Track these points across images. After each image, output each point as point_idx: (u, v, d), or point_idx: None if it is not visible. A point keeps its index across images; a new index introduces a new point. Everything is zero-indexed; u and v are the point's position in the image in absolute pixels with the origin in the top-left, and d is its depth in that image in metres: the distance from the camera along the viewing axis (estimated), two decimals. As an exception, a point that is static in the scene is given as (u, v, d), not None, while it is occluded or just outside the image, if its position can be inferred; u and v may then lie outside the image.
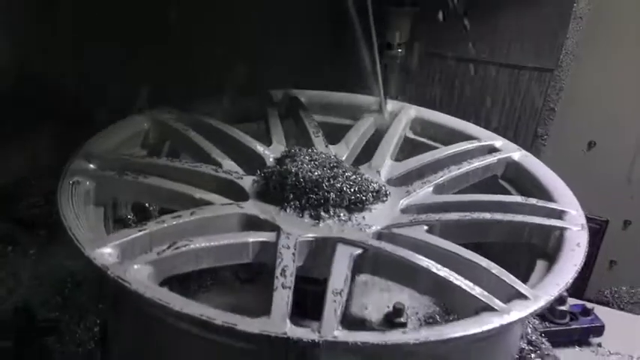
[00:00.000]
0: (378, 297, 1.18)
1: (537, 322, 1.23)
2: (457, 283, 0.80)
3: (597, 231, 1.78)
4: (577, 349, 1.26)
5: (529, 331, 1.17)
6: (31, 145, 1.61)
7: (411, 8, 1.41)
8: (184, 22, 1.51)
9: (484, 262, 0.85)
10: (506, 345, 0.90)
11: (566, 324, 1.25)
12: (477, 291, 0.79)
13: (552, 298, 0.79)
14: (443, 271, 0.82)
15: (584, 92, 1.65)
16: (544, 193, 1.06)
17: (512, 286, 0.81)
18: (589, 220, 1.73)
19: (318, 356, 0.72)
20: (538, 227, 0.96)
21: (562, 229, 0.94)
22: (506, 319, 0.74)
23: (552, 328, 1.24)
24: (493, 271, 0.83)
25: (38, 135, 1.60)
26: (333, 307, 0.75)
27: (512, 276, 0.82)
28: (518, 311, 0.76)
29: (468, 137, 1.24)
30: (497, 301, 0.77)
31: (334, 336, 0.70)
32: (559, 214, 0.98)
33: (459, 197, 1.07)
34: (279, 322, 0.71)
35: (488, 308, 0.77)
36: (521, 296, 0.79)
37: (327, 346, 0.69)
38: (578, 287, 1.59)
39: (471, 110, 1.32)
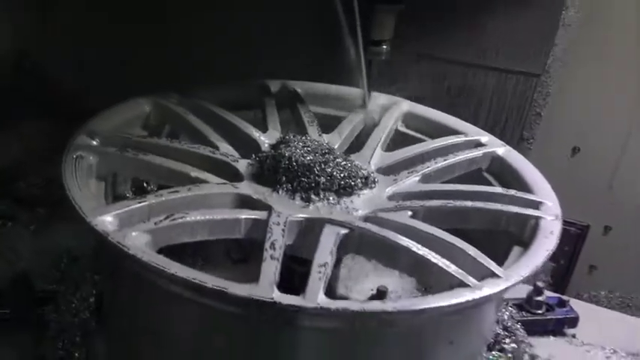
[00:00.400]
0: (363, 285, 1.24)
1: (515, 311, 1.29)
2: (434, 261, 0.86)
3: (578, 236, 1.84)
4: (552, 338, 1.32)
5: (506, 318, 1.23)
6: (29, 131, 1.66)
7: (395, 5, 1.45)
8: (184, 16, 1.57)
9: (461, 244, 0.90)
10: (480, 324, 0.95)
11: (542, 314, 1.31)
12: (452, 269, 0.84)
13: (522, 278, 0.85)
14: (422, 251, 0.88)
15: (571, 98, 1.71)
16: (524, 186, 1.11)
17: (486, 266, 0.86)
18: (571, 224, 1.81)
19: (302, 321, 0.77)
20: (516, 216, 1.01)
21: (538, 218, 1.00)
22: (477, 294, 0.80)
23: (529, 318, 1.29)
24: (469, 252, 0.88)
25: (36, 122, 1.66)
26: (317, 277, 0.80)
27: (486, 257, 0.88)
28: (489, 288, 0.81)
29: (456, 132, 1.30)
30: (471, 279, 0.83)
31: (318, 303, 0.75)
32: (536, 205, 1.04)
33: (443, 186, 1.13)
34: (267, 289, 0.76)
35: (463, 284, 0.82)
36: (494, 275, 0.85)
37: (310, 311, 0.74)
38: (556, 290, 1.64)
39: (458, 112, 1.38)
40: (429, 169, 1.16)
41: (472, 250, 0.89)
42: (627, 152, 1.72)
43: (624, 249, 1.80)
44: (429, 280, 0.90)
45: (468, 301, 0.78)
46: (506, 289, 0.83)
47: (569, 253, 1.79)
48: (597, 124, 1.73)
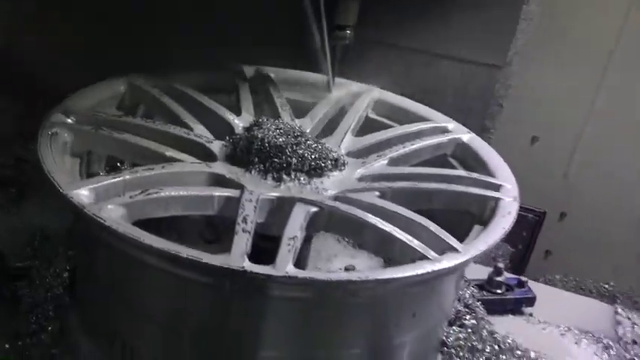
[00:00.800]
0: (332, 265, 1.29)
1: (476, 290, 1.35)
2: (398, 236, 0.91)
3: (536, 222, 1.92)
4: (510, 317, 1.39)
5: (467, 296, 1.29)
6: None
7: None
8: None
9: (424, 221, 0.95)
10: (440, 298, 1.01)
11: (501, 294, 1.38)
12: (415, 243, 0.89)
13: (479, 252, 0.90)
14: (387, 227, 0.92)
15: (532, 90, 1.78)
16: (485, 169, 1.17)
17: (447, 242, 0.91)
18: (529, 211, 1.89)
19: (272, 290, 0.82)
20: (476, 197, 1.07)
21: (497, 199, 1.06)
22: (437, 266, 0.85)
23: (489, 297, 1.36)
24: (431, 229, 0.94)
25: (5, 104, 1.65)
26: (287, 249, 0.84)
27: (447, 233, 0.93)
28: (448, 261, 0.87)
29: (424, 119, 1.35)
30: (432, 252, 0.88)
31: (286, 272, 0.79)
32: (496, 187, 1.10)
33: (410, 169, 1.18)
34: (238, 258, 0.80)
35: (424, 258, 0.87)
36: (454, 250, 0.90)
37: (279, 280, 0.78)
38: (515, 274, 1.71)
39: (424, 101, 1.42)
40: (397, 153, 1.21)
41: (434, 227, 0.94)
42: (582, 143, 1.80)
43: (578, 235, 1.89)
44: (394, 254, 0.94)
45: (428, 273, 0.84)
46: (465, 262, 0.88)
47: (527, 238, 1.87)
48: (555, 115, 1.81)
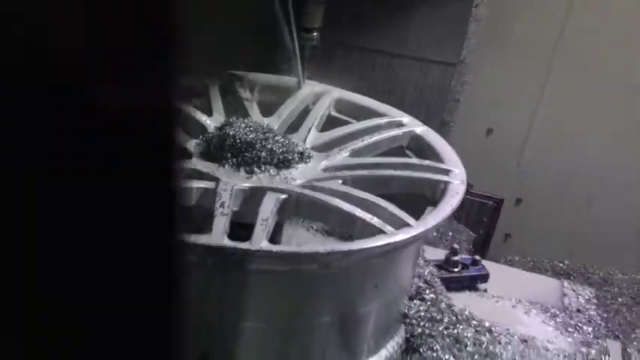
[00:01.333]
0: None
1: (435, 270, 1.48)
2: (360, 215, 1.03)
3: (494, 208, 2.07)
4: (467, 293, 1.52)
5: (426, 274, 1.42)
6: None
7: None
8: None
9: (382, 202, 1.07)
10: (398, 270, 1.13)
11: (458, 272, 1.51)
12: (375, 220, 1.01)
13: (430, 227, 1.03)
14: (349, 208, 1.04)
15: (485, 86, 1.94)
16: (436, 157, 1.30)
17: (402, 219, 1.04)
18: (488, 198, 2.04)
19: (249, 264, 0.92)
20: (428, 181, 1.20)
21: (446, 183, 1.19)
22: (393, 239, 0.97)
23: (447, 275, 1.49)
24: (388, 208, 1.06)
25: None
26: (261, 229, 0.95)
27: (403, 211, 1.05)
28: (403, 234, 0.99)
29: (381, 114, 1.47)
30: (389, 227, 1.00)
31: (261, 246, 0.90)
32: (446, 172, 1.23)
33: (369, 159, 1.30)
34: (218, 237, 0.91)
35: (382, 232, 0.99)
36: (408, 225, 1.02)
37: (255, 254, 0.89)
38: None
39: (385, 99, 1.54)
40: (357, 145, 1.33)
41: (391, 207, 1.06)
42: (532, 133, 1.96)
43: (534, 218, 2.05)
44: (356, 232, 1.06)
45: (386, 244, 0.95)
46: (417, 235, 1.00)
47: (487, 223, 2.02)
48: (508, 108, 1.97)
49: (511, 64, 1.93)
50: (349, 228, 1.09)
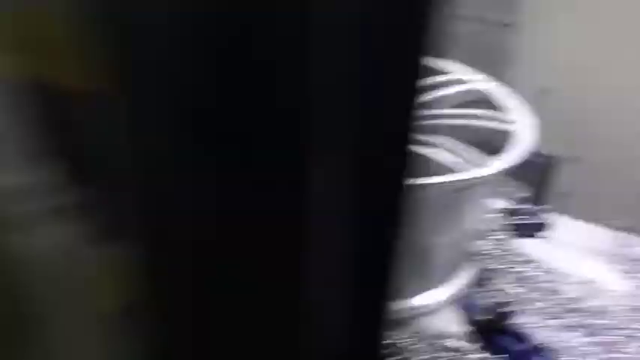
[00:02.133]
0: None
1: (504, 215, 1.57)
2: (434, 157, 1.14)
3: (550, 165, 2.10)
4: (532, 239, 1.61)
5: (495, 218, 1.51)
6: None
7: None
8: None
9: (459, 144, 1.18)
10: (472, 207, 1.24)
11: (524, 219, 1.60)
12: (449, 160, 1.13)
13: (502, 169, 1.13)
14: (424, 150, 1.16)
15: (541, 45, 1.97)
16: (504, 110, 1.39)
17: (475, 161, 1.14)
18: (544, 156, 2.08)
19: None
20: (496, 130, 1.30)
21: (513, 132, 1.28)
22: (469, 175, 1.08)
23: (514, 222, 1.59)
24: (470, 153, 1.17)
25: None
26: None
27: (476, 153, 1.16)
28: (476, 172, 1.10)
29: (447, 72, 1.57)
30: (463, 166, 1.11)
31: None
32: (512, 122, 1.32)
33: (440, 111, 1.40)
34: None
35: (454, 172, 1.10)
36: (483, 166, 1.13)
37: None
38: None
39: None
40: (427, 99, 1.43)
41: (472, 151, 1.17)
42: (589, 92, 1.99)
43: (590, 177, 2.07)
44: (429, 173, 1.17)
45: (460, 180, 1.07)
46: (492, 174, 1.11)
47: (543, 182, 2.07)
48: (564, 67, 2.00)
49: (568, 24, 1.95)
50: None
